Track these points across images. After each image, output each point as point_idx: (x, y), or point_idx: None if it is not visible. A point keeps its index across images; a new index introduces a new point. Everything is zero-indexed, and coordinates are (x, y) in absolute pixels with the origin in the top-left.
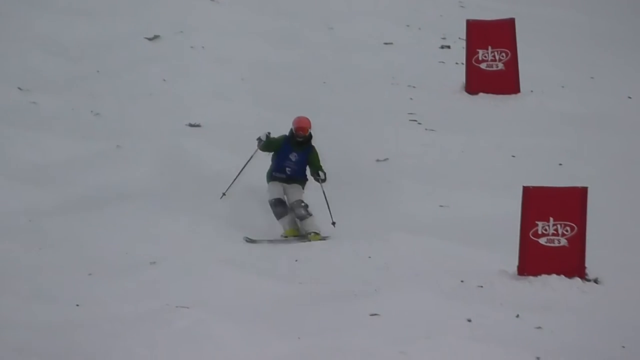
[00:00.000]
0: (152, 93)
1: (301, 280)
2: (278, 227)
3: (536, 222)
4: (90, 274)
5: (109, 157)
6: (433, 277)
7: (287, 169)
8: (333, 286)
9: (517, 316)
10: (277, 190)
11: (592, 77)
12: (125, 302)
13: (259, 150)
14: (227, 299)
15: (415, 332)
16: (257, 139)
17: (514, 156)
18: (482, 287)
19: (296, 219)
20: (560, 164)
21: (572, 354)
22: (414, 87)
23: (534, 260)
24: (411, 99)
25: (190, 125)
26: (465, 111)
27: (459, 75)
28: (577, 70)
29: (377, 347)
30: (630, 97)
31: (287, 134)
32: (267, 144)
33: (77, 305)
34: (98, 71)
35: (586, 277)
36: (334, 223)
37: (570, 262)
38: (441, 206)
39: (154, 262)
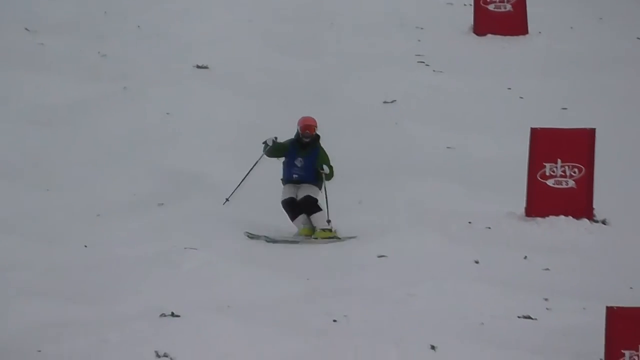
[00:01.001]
0: (159, 34)
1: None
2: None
3: (544, 163)
4: (98, 215)
5: (116, 99)
6: (440, 219)
7: (294, 175)
8: (341, 229)
9: (525, 258)
10: (290, 191)
11: (600, 18)
12: (133, 244)
13: (265, 155)
14: (235, 240)
15: (423, 273)
16: (263, 143)
17: (522, 98)
18: (489, 228)
19: (307, 216)
20: (566, 107)
21: (579, 295)
22: (421, 28)
23: (541, 201)
24: (419, 40)
25: (198, 67)
26: (473, 53)
27: (467, 16)
28: (586, 11)
29: (385, 288)
30: (639, 39)
31: (294, 137)
32: (273, 150)
33: (85, 246)
34: (105, 12)
35: (594, 218)
36: (329, 221)
37: (578, 203)
38: (448, 148)
39: (162, 204)
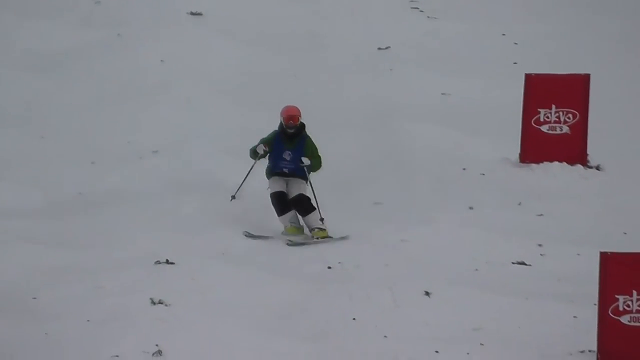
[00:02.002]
0: None
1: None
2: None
3: (538, 109)
4: (93, 163)
5: (110, 46)
6: (435, 165)
7: (283, 169)
8: (336, 175)
9: (519, 204)
10: (279, 184)
11: None
12: (128, 190)
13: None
14: (229, 187)
15: (417, 219)
16: (252, 150)
17: (516, 44)
18: (483, 174)
19: (298, 215)
20: (560, 53)
21: (573, 241)
22: None
23: (535, 147)
24: None
25: (192, 13)
26: None
27: None
28: None
29: (379, 235)
30: None
31: (277, 129)
32: (262, 156)
33: (80, 193)
34: None
35: (588, 164)
36: (322, 219)
37: (572, 149)
38: (443, 94)
39: (156, 151)
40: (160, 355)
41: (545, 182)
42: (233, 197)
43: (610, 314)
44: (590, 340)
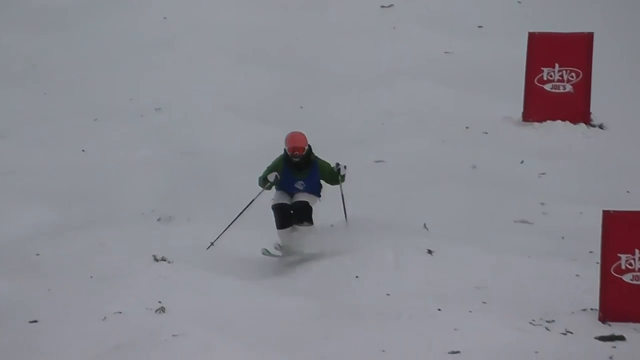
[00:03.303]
0: None
1: (306, 126)
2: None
3: (541, 68)
4: (95, 120)
5: (113, 3)
6: (438, 124)
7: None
8: (338, 133)
9: (522, 162)
10: (284, 197)
11: None
12: (130, 148)
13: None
14: (230, 144)
15: (420, 177)
16: (262, 179)
17: (519, 2)
18: (486, 133)
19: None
20: (565, 10)
21: (576, 200)
22: None
23: (538, 106)
24: None
25: None
26: None
27: None
28: None
29: (382, 192)
30: None
31: (283, 155)
32: (272, 184)
33: (83, 150)
34: None
35: (591, 122)
36: (346, 217)
37: (575, 107)
38: (446, 53)
39: (159, 109)
40: (163, 312)
41: (548, 140)
42: (212, 243)
43: (613, 273)
44: (593, 298)
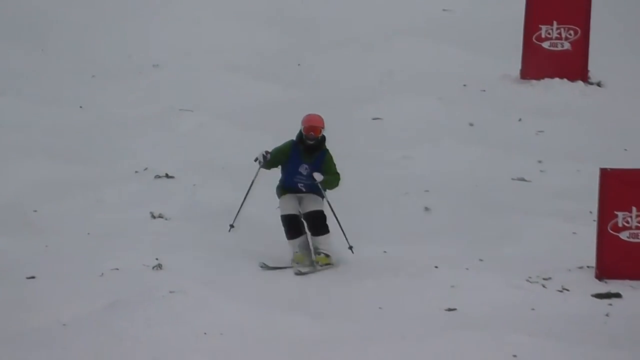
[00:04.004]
0: None
1: (305, 84)
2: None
3: (539, 25)
4: (93, 76)
5: None
6: (436, 82)
7: (299, 184)
8: (337, 91)
9: (519, 120)
10: (292, 204)
11: None
12: (128, 105)
13: (262, 169)
14: (229, 102)
15: (418, 135)
16: (254, 161)
17: None
18: (484, 91)
19: (308, 235)
20: None
21: (573, 157)
22: None
23: (536, 64)
24: None
25: None
26: None
27: None
28: None
29: (380, 151)
30: None
31: (295, 139)
32: (271, 161)
33: (81, 107)
34: None
35: (589, 80)
36: (351, 247)
37: (573, 65)
38: (444, 10)
39: (157, 65)
40: (160, 268)
41: (545, 98)
42: (232, 225)
43: (610, 230)
44: (589, 256)
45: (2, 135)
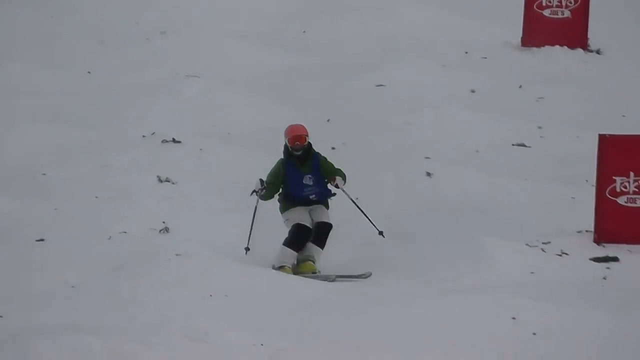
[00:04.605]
0: None
1: (309, 51)
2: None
3: None
4: (101, 42)
5: None
6: (438, 49)
7: (311, 196)
8: (341, 58)
9: (520, 87)
10: (305, 216)
11: None
12: (136, 71)
13: (260, 201)
14: (234, 68)
15: (420, 102)
16: (251, 194)
17: None
18: (486, 58)
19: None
20: None
21: (573, 124)
22: None
23: (537, 31)
24: None
25: None
26: None
27: None
28: None
29: (383, 117)
30: None
31: (283, 156)
32: (269, 190)
33: (89, 72)
34: None
35: (588, 48)
36: (381, 232)
37: (573, 33)
38: None
39: (164, 32)
40: (167, 232)
41: (546, 65)
42: (247, 249)
43: (608, 195)
44: (588, 220)
45: (12, 100)
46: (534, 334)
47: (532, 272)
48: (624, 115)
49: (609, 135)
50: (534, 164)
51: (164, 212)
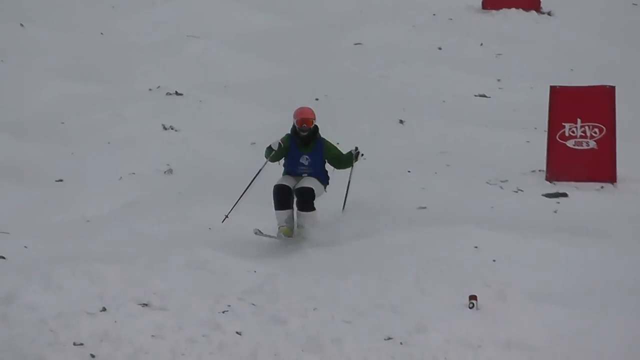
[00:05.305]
0: None
1: (297, 13)
2: None
3: None
4: (113, 7)
5: None
6: (408, 11)
7: (303, 174)
8: (323, 20)
9: (481, 45)
10: (288, 179)
11: None
12: (143, 32)
13: (269, 162)
14: (230, 29)
15: (393, 58)
16: (267, 148)
17: None
18: (451, 19)
19: (295, 210)
20: None
21: (527, 77)
22: None
23: None
24: None
25: None
26: None
27: None
28: None
29: (360, 71)
30: None
31: (290, 132)
32: (277, 154)
33: (102, 33)
34: None
35: (541, 10)
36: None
37: None
38: None
39: None
40: (171, 173)
41: (504, 25)
42: (226, 216)
43: (558, 139)
44: (541, 161)
45: (35, 58)
46: (494, 260)
47: (492, 207)
48: (572, 69)
49: (559, 86)
50: (493, 113)
51: (168, 155)
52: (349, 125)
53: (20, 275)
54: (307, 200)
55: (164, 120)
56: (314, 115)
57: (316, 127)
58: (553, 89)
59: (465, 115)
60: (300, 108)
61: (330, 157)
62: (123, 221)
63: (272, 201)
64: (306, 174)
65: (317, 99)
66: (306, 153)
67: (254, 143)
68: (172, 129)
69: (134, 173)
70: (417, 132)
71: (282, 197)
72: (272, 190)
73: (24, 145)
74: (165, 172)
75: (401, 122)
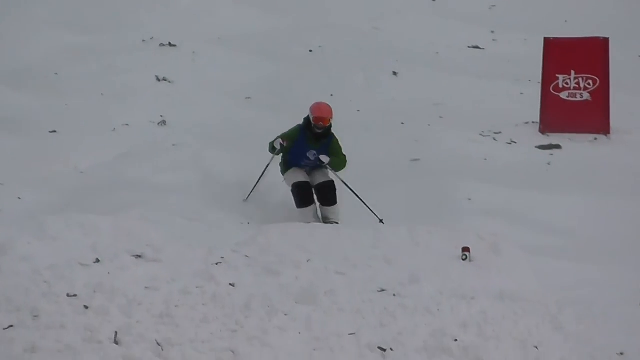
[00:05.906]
0: None
1: None
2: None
3: None
4: None
5: None
6: None
7: (306, 168)
8: None
9: None
10: (301, 174)
11: None
12: None
13: (275, 156)
14: None
15: (387, 10)
16: (270, 144)
17: None
18: None
19: (318, 205)
20: None
21: (521, 29)
22: None
23: None
24: None
25: None
26: None
27: None
28: None
29: (353, 23)
30: None
31: (302, 124)
32: (279, 151)
33: None
34: None
35: None
36: (382, 220)
37: None
38: None
39: None
40: (165, 124)
41: None
42: (245, 200)
43: (552, 91)
44: (534, 113)
45: (29, 8)
46: (487, 212)
47: (485, 159)
48: (566, 21)
49: (553, 38)
50: (487, 64)
51: (161, 107)
52: (344, 76)
53: (14, 226)
54: (330, 192)
55: (158, 71)
56: (332, 114)
57: (330, 125)
58: (547, 40)
59: (458, 67)
60: (319, 105)
61: (330, 153)
62: (117, 172)
63: (293, 200)
64: (309, 168)
65: (310, 51)
66: (314, 148)
67: (249, 98)
68: (165, 80)
69: (127, 124)
70: (411, 83)
71: (305, 194)
72: (290, 188)
73: (18, 96)
74: (158, 123)
75: (395, 73)
